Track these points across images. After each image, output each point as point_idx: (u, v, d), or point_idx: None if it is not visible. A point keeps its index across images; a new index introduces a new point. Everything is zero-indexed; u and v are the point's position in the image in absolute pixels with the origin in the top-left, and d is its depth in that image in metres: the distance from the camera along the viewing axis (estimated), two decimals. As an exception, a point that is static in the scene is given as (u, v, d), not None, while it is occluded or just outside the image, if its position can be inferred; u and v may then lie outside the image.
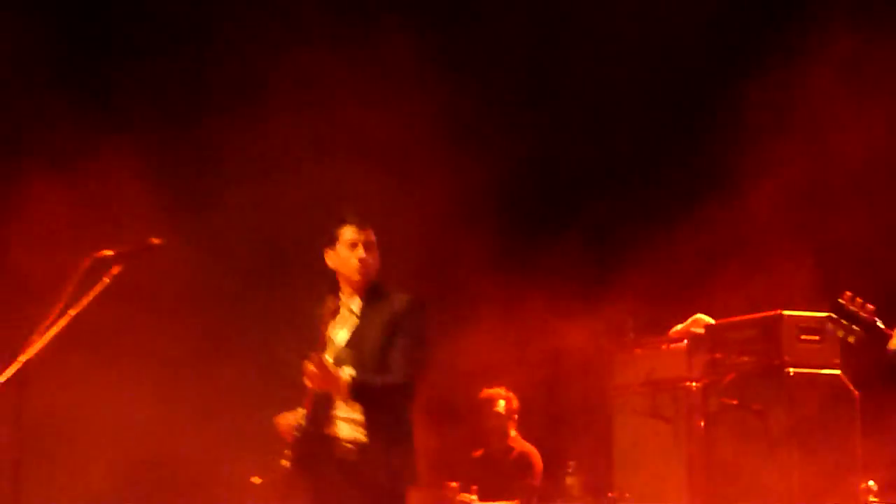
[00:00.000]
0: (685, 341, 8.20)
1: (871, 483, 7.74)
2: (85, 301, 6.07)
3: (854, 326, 5.71)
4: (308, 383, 6.07)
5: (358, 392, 5.97)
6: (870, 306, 5.76)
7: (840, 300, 5.84)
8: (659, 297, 8.88)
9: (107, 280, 6.15)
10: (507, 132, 10.30)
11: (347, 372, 6.01)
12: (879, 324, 5.87)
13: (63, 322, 6.08)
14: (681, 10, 9.98)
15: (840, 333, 5.90)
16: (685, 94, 10.35)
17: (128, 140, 9.77)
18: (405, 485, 6.17)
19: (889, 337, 5.81)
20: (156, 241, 6.33)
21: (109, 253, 6.20)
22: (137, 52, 10.44)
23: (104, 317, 6.47)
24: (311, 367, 5.98)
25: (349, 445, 6.01)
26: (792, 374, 7.84)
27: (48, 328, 6.07)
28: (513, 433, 8.75)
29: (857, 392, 7.88)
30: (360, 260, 6.15)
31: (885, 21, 9.37)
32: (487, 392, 8.85)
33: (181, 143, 10.18)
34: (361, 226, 6.33)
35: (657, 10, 10.17)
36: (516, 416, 8.85)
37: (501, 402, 8.78)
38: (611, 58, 10.18)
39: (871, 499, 7.67)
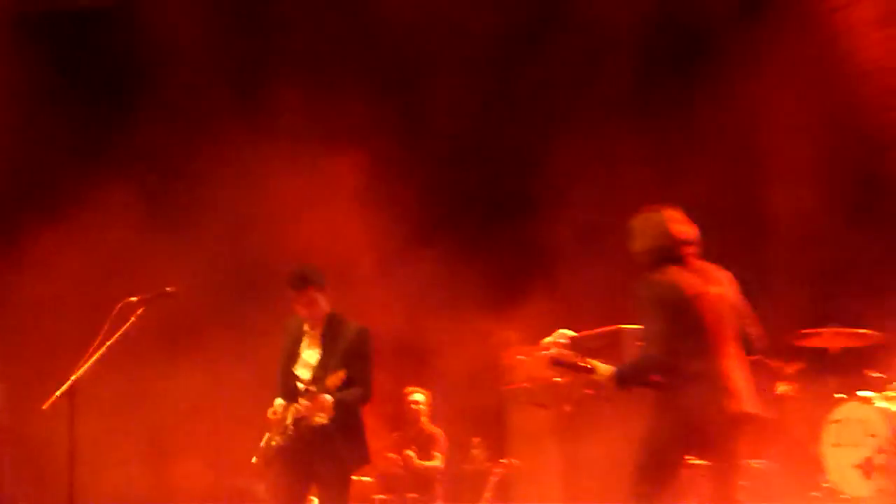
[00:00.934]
0: (554, 349, 9.19)
1: None
2: (118, 334, 7.62)
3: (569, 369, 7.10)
4: (303, 411, 7.68)
5: (337, 408, 7.69)
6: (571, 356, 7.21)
7: (556, 357, 7.24)
8: (536, 317, 10.16)
9: (133, 319, 7.73)
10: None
11: (328, 398, 7.64)
12: (583, 363, 7.03)
13: (102, 350, 7.59)
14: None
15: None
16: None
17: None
18: (362, 463, 7.98)
19: (593, 370, 7.02)
20: (170, 289, 7.97)
21: (135, 299, 7.85)
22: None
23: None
24: (303, 402, 7.66)
25: (322, 432, 7.68)
26: None
27: (91, 355, 7.59)
28: (424, 419, 11.09)
29: None
30: (303, 315, 7.88)
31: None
32: (409, 389, 11.27)
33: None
34: (297, 289, 7.93)
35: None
36: (429, 408, 11.19)
37: (419, 397, 11.24)
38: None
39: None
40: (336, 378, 7.78)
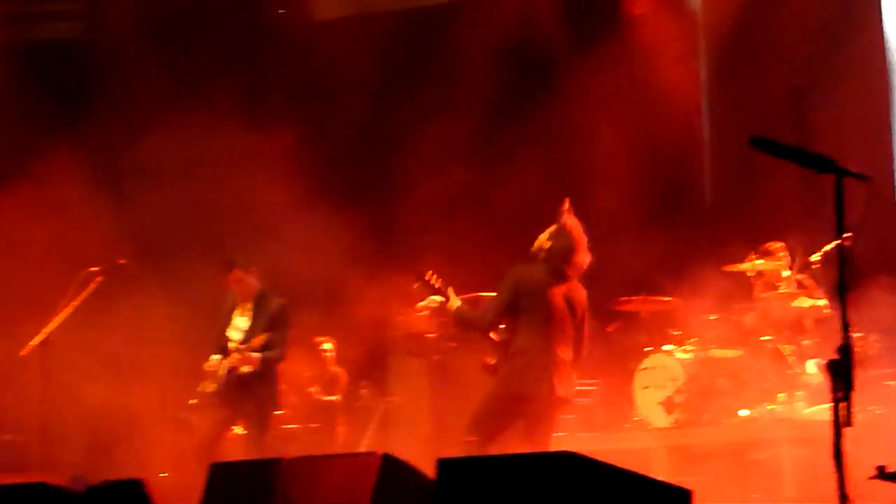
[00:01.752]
0: (427, 311, 10.64)
1: None
2: (81, 298, 9.08)
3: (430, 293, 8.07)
4: (234, 363, 9.00)
5: (261, 362, 9.12)
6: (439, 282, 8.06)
7: (424, 275, 8.16)
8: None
9: (93, 285, 9.20)
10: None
11: (255, 355, 8.98)
12: (449, 291, 8.07)
13: (68, 311, 9.01)
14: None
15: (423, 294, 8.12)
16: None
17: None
18: (275, 406, 9.42)
19: (447, 299, 8.10)
20: (122, 261, 9.44)
21: (95, 269, 9.30)
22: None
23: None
24: (236, 356, 9.03)
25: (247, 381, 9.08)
26: None
27: (59, 312, 9.01)
28: (330, 363, 12.01)
29: None
30: (235, 290, 9.25)
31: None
32: (318, 339, 12.11)
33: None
34: (226, 271, 9.29)
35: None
36: (335, 353, 12.10)
37: (327, 345, 12.18)
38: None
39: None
40: (260, 339, 9.17)
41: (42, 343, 9.17)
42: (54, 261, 10.75)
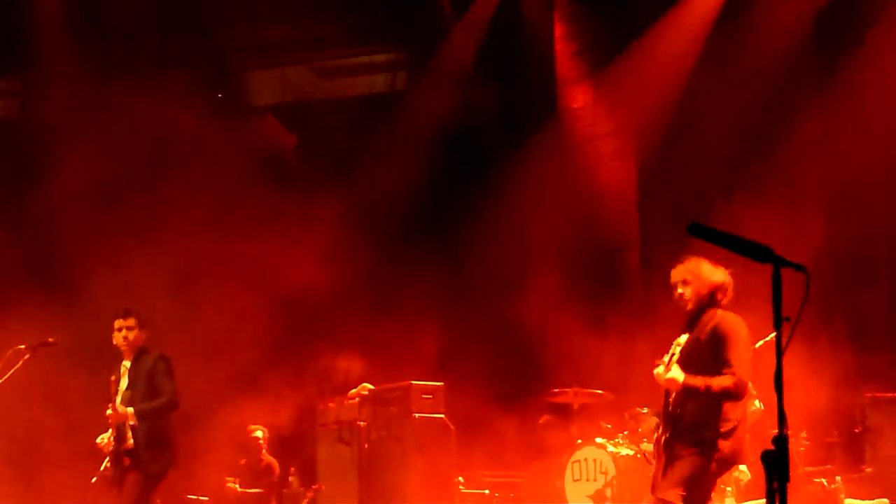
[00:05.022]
0: (357, 399, 10.81)
1: (460, 479, 10.53)
2: (8, 374, 8.92)
3: None
4: (110, 420, 8.72)
5: (139, 415, 8.74)
6: None
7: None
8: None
9: (20, 363, 9.04)
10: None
11: (129, 409, 8.65)
12: None
13: None
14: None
15: None
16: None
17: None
18: (166, 467, 8.94)
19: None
20: (51, 340, 9.32)
21: (23, 347, 9.13)
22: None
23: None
24: (109, 412, 8.72)
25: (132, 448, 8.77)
26: (417, 417, 10.46)
27: None
28: (263, 451, 12.08)
29: (452, 427, 10.41)
30: (119, 345, 8.93)
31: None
32: (250, 427, 12.16)
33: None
34: (122, 316, 8.96)
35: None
36: (265, 442, 12.22)
37: (259, 433, 12.24)
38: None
39: (461, 489, 10.42)
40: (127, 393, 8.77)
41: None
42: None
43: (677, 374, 7.03)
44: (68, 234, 12.04)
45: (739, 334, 7.13)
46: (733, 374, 7.05)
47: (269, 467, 12.26)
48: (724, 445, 7.13)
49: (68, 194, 11.94)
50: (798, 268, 4.45)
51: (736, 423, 7.19)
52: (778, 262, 4.43)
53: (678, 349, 7.07)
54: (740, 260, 4.23)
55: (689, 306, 7.27)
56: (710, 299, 7.25)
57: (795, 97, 11.31)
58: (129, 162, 12.07)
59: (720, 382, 7.03)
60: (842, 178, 11.20)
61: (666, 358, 7.04)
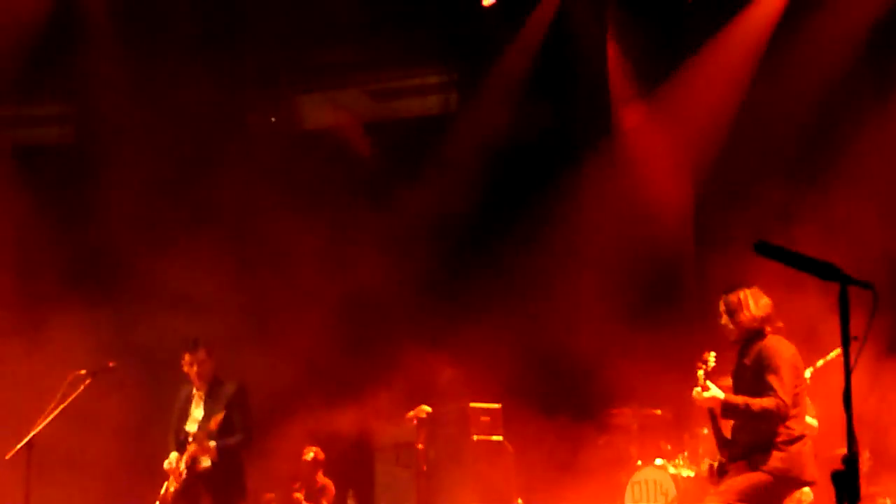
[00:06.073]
0: (415, 421, 10.79)
1: (519, 501, 10.58)
2: (69, 400, 8.95)
3: None
4: (193, 454, 8.83)
5: (220, 452, 8.97)
6: None
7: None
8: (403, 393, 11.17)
9: (82, 387, 9.08)
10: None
11: (212, 443, 8.83)
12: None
13: (58, 410, 8.92)
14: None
15: None
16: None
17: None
18: (239, 499, 9.16)
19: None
20: (112, 363, 9.37)
21: (83, 371, 9.21)
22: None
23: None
24: (191, 448, 8.83)
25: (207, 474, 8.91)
26: (476, 439, 10.61)
27: (48, 415, 8.90)
28: (319, 472, 11.96)
29: (511, 448, 10.57)
30: (191, 375, 9.11)
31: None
32: (307, 448, 12.05)
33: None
34: (190, 350, 9.13)
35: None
36: (322, 463, 12.09)
37: (311, 454, 12.11)
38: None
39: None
40: (216, 420, 8.91)
41: (27, 445, 9.00)
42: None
43: (717, 392, 7.33)
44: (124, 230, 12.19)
45: (783, 357, 7.41)
46: (776, 396, 7.26)
47: (324, 489, 12.22)
48: (778, 456, 7.32)
49: (128, 188, 12.15)
50: (865, 286, 4.43)
51: (790, 437, 7.40)
52: (845, 281, 4.41)
53: (702, 371, 7.40)
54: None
55: (732, 338, 7.59)
56: (755, 332, 7.55)
57: (852, 111, 11.18)
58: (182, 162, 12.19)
59: (761, 403, 7.28)
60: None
61: (701, 378, 7.35)
